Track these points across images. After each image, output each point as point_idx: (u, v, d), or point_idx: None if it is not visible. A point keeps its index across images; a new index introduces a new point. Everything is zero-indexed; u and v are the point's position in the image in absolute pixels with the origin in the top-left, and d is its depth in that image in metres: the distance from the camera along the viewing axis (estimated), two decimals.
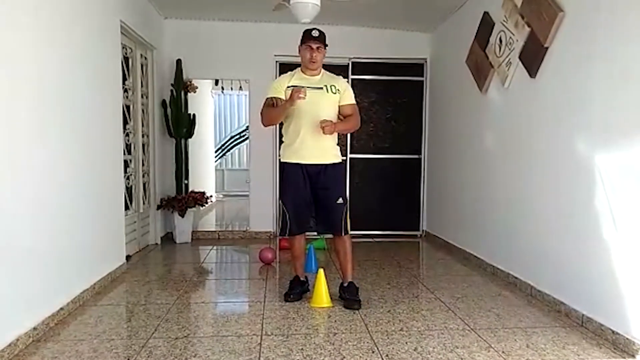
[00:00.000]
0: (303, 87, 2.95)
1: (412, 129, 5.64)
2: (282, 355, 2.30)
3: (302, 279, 3.27)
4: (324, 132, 2.93)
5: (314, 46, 3.01)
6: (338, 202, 3.07)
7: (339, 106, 3.12)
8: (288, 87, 3.05)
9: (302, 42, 3.06)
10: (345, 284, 3.13)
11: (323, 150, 3.07)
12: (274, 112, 3.08)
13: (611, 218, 2.52)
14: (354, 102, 3.17)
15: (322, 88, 3.06)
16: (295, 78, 3.10)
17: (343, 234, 3.11)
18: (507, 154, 3.72)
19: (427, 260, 4.68)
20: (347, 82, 5.27)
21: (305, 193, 3.08)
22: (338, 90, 3.10)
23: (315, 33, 3.02)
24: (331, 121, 2.97)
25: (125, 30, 4.03)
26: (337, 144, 3.20)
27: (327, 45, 3.08)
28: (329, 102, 3.07)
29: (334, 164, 3.11)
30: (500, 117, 3.87)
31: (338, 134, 3.22)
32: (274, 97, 3.08)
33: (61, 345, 2.41)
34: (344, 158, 5.53)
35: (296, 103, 2.89)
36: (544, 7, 3.12)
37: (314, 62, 3.04)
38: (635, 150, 2.36)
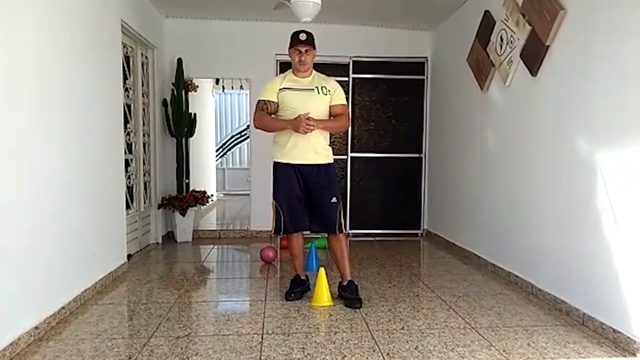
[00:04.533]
0: (298, 89, 3.03)
1: (413, 127, 5.64)
2: (283, 354, 2.30)
3: (302, 277, 3.28)
4: (303, 130, 2.92)
5: (302, 49, 3.04)
6: (332, 201, 3.09)
7: (330, 106, 3.15)
8: (280, 89, 3.09)
9: (290, 45, 3.08)
10: (345, 283, 3.14)
11: (315, 151, 3.08)
12: (270, 125, 3.12)
13: (612, 217, 2.52)
14: (344, 102, 3.19)
15: (313, 90, 3.09)
16: (287, 80, 3.13)
17: (338, 233, 3.12)
18: (508, 153, 3.71)
19: (428, 259, 4.68)
20: (348, 81, 5.38)
21: (299, 192, 3.10)
22: (329, 91, 3.12)
23: (302, 36, 3.03)
24: (312, 118, 2.96)
25: (126, 30, 4.03)
26: (330, 145, 3.22)
27: (315, 47, 3.10)
28: (319, 104, 3.10)
29: (327, 164, 3.14)
30: (501, 116, 3.86)
31: (330, 134, 3.27)
32: (267, 101, 3.10)
33: (63, 344, 2.42)
34: (345, 157, 5.57)
35: (300, 131, 2.92)
36: (545, 5, 3.11)
37: (303, 64, 3.06)
38: (636, 149, 2.36)
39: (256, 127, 3.22)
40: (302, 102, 3.01)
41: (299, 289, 3.20)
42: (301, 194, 3.11)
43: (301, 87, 3.08)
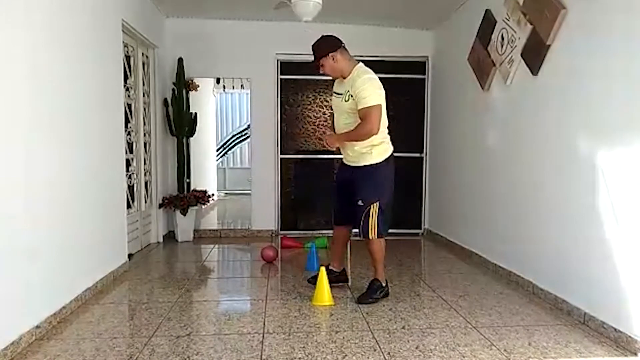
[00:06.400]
0: (335, 93, 3.17)
1: (414, 127, 5.63)
2: (284, 354, 2.30)
3: (331, 268, 3.33)
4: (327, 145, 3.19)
5: (319, 65, 3.08)
6: (358, 203, 3.04)
7: (358, 111, 2.97)
8: (333, 92, 3.24)
9: None
10: (372, 278, 3.20)
11: (354, 154, 3.10)
12: None
13: (613, 216, 2.52)
14: (367, 105, 2.90)
15: (341, 95, 3.10)
16: (336, 82, 3.20)
17: (363, 237, 3.09)
18: (509, 152, 3.71)
19: (429, 258, 4.68)
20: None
21: (342, 190, 3.22)
22: (351, 96, 2.98)
23: (314, 54, 3.07)
24: (332, 134, 3.17)
25: (127, 29, 4.03)
26: (378, 144, 3.04)
27: (327, 54, 2.99)
28: (345, 110, 3.06)
29: (361, 166, 3.07)
30: (502, 115, 3.86)
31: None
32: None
33: (64, 344, 2.42)
34: None
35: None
36: (546, 4, 3.11)
37: (330, 75, 3.13)
38: (637, 148, 2.36)
39: None
40: (335, 108, 3.12)
41: (333, 275, 3.31)
42: (343, 193, 3.20)
43: (337, 92, 3.16)
